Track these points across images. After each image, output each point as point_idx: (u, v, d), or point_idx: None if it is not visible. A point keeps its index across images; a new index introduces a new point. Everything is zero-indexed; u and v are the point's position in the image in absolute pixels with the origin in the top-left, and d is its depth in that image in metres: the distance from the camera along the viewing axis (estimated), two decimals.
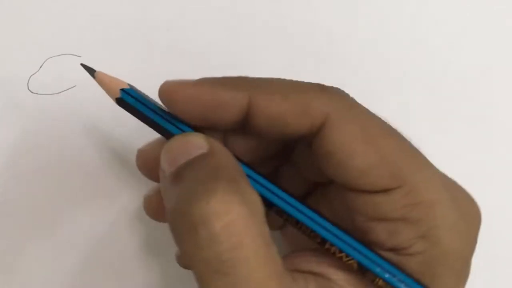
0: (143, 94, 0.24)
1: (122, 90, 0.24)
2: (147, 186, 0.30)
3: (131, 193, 0.30)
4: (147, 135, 0.31)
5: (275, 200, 0.23)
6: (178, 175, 0.22)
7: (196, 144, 0.22)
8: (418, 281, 0.21)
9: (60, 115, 0.31)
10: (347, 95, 0.23)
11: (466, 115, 0.34)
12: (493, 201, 0.33)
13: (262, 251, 0.20)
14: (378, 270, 0.22)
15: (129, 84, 0.24)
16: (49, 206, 0.30)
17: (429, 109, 0.33)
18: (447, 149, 0.33)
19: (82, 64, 0.25)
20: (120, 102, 0.24)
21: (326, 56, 0.33)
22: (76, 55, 0.31)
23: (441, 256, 0.21)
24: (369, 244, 0.23)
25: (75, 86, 0.31)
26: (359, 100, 0.23)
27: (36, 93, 0.31)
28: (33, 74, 0.31)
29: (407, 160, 0.22)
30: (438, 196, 0.21)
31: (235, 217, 0.20)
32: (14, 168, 0.30)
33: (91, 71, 0.25)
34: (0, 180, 0.30)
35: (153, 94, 0.31)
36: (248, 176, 0.23)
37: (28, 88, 0.31)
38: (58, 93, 0.31)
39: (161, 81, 0.31)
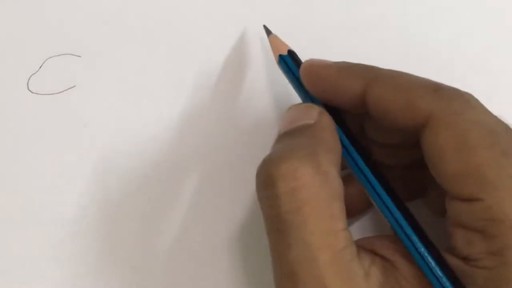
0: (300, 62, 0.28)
1: (280, 55, 0.28)
2: (160, 187, 0.30)
3: (137, 196, 0.30)
4: (150, 135, 0.31)
5: (363, 181, 0.24)
6: (283, 137, 0.24)
7: (308, 114, 0.25)
8: None
9: (60, 115, 0.31)
10: (461, 99, 0.23)
11: None
12: None
13: (321, 222, 0.21)
14: (429, 274, 0.22)
15: (290, 51, 0.28)
16: (46, 206, 0.30)
17: None
18: None
19: (264, 26, 0.30)
20: (281, 61, 0.28)
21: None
22: (76, 55, 0.31)
23: (510, 276, 0.21)
24: (449, 249, 0.23)
25: (75, 86, 0.31)
26: None
27: (36, 93, 0.31)
28: (33, 74, 0.31)
29: (499, 176, 0.21)
30: None
31: (301, 184, 0.22)
32: (13, 168, 0.30)
33: (268, 32, 0.30)
34: (1, 179, 0.30)
35: (153, 93, 0.31)
36: (350, 156, 0.25)
37: (28, 88, 0.31)
38: (58, 93, 0.31)
39: (161, 80, 0.31)
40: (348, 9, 0.33)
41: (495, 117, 0.23)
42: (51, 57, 0.31)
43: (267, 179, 0.22)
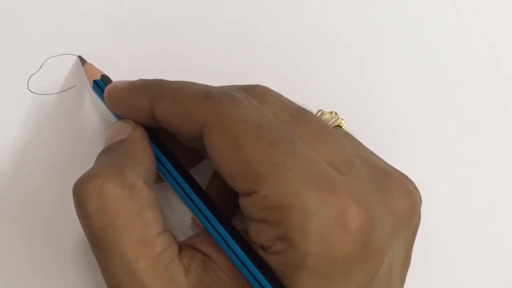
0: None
1: (94, 81, 0.29)
2: None
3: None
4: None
5: (179, 191, 0.25)
6: (99, 155, 0.26)
7: (123, 130, 0.26)
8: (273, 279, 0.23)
9: (60, 115, 0.31)
10: (232, 101, 0.24)
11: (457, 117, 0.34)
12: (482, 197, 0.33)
13: (134, 232, 0.23)
14: (238, 263, 0.24)
15: (103, 76, 0.29)
16: (48, 205, 0.30)
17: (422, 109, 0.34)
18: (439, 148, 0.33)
19: (79, 56, 0.31)
20: (94, 86, 0.29)
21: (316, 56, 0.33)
22: (76, 55, 0.31)
23: (298, 258, 0.22)
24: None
25: (75, 86, 0.31)
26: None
27: (36, 93, 0.31)
28: (33, 74, 0.31)
29: (269, 165, 0.22)
30: (297, 201, 0.22)
31: (108, 201, 0.23)
32: (14, 168, 0.30)
33: (83, 61, 0.31)
34: (0, 179, 0.30)
35: None
36: (165, 167, 0.26)
37: (28, 88, 0.31)
38: (58, 93, 0.31)
39: None
40: None
41: (262, 111, 0.24)
42: (51, 57, 0.31)
43: (78, 200, 0.23)
